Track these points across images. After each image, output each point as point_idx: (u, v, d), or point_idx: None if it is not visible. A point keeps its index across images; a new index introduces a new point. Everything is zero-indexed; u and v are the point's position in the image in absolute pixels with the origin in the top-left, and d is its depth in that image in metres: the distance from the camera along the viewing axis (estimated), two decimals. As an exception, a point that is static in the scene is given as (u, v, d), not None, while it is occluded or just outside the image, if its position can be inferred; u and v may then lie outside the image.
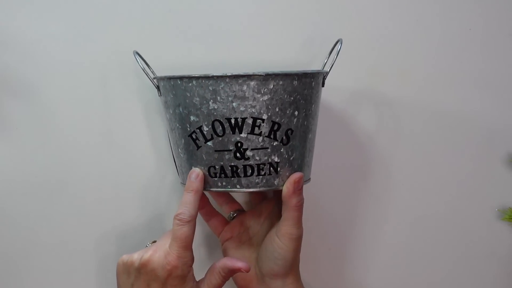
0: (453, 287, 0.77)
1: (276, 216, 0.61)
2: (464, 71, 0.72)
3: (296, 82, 0.54)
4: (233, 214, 0.64)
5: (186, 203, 0.54)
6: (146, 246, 0.57)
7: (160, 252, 0.53)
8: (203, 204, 0.62)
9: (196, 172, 0.55)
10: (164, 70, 0.64)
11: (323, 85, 0.59)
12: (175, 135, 0.57)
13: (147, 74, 0.58)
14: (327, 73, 0.59)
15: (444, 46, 0.71)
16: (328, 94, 0.65)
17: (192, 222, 0.53)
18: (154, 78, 0.58)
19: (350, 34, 0.67)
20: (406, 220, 0.74)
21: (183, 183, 0.58)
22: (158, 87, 0.58)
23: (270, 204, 0.62)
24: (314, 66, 0.65)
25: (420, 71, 0.71)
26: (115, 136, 0.65)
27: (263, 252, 0.59)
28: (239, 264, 0.56)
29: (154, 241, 0.57)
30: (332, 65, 0.59)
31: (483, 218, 0.76)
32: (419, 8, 0.70)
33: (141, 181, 0.67)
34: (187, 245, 0.53)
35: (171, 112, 0.56)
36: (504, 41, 0.72)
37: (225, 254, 0.63)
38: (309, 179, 0.60)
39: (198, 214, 0.63)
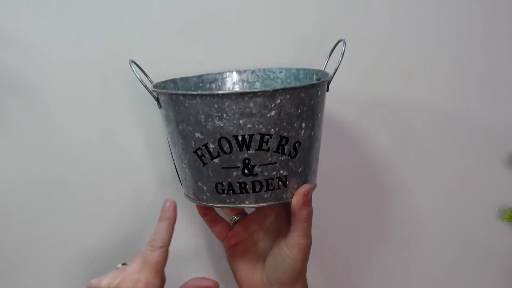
0: (453, 287, 0.77)
1: (282, 220, 0.61)
2: (464, 71, 0.72)
3: (303, 94, 0.52)
4: (235, 218, 0.64)
5: (160, 229, 0.53)
6: (116, 267, 0.55)
7: (128, 282, 0.52)
8: (207, 210, 0.62)
9: (170, 201, 0.54)
10: (163, 70, 0.64)
11: (327, 90, 0.58)
12: (178, 149, 0.55)
13: (145, 86, 0.55)
14: (332, 77, 0.58)
15: (444, 46, 0.71)
16: (327, 96, 0.65)
17: (165, 248, 0.53)
18: (153, 91, 0.56)
19: (350, 34, 0.67)
20: (406, 220, 0.74)
21: (188, 196, 0.58)
22: (157, 99, 0.55)
23: (275, 207, 0.62)
24: (314, 65, 0.65)
25: (420, 71, 0.71)
26: (115, 136, 0.65)
27: (271, 261, 0.59)
28: (208, 282, 0.56)
29: (125, 263, 0.56)
30: (336, 69, 0.57)
31: (483, 218, 0.76)
32: (419, 8, 0.70)
33: (140, 182, 0.67)
34: (158, 270, 0.52)
35: (173, 126, 0.54)
36: (504, 41, 0.72)
37: (229, 260, 0.62)
38: (316, 184, 0.60)
39: (202, 220, 0.62)
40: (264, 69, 0.65)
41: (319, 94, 0.54)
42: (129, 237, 0.67)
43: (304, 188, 0.55)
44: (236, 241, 0.62)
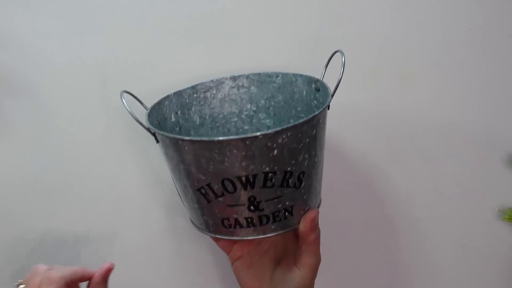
0: (453, 287, 0.77)
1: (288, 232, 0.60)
2: (464, 71, 0.72)
3: (305, 127, 0.50)
4: None
5: (71, 270, 0.51)
6: (15, 284, 0.53)
7: None
8: None
9: (109, 266, 0.53)
10: (162, 70, 0.64)
11: (328, 108, 0.56)
12: (181, 184, 0.54)
13: (140, 122, 0.53)
14: (332, 96, 0.55)
15: (444, 47, 0.71)
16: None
17: (58, 285, 0.50)
18: (149, 128, 0.54)
19: (348, 35, 0.67)
20: (406, 220, 0.74)
21: (193, 223, 0.58)
22: (154, 135, 0.54)
23: None
24: (313, 66, 0.64)
25: (419, 71, 0.71)
26: (115, 136, 0.65)
27: (280, 279, 0.58)
28: (105, 266, 0.53)
29: (21, 283, 0.53)
30: (337, 86, 0.54)
31: (483, 218, 0.76)
32: (419, 9, 0.70)
33: (140, 181, 0.67)
34: None
35: (174, 164, 0.53)
36: (504, 41, 0.72)
37: (236, 274, 0.61)
38: (321, 200, 0.59)
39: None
40: (259, 73, 0.64)
41: (320, 121, 0.53)
42: (129, 237, 0.67)
43: (310, 214, 0.55)
44: (242, 253, 0.61)
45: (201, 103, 0.64)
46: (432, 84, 0.72)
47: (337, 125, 0.70)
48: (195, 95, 0.63)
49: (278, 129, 0.48)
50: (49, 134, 0.64)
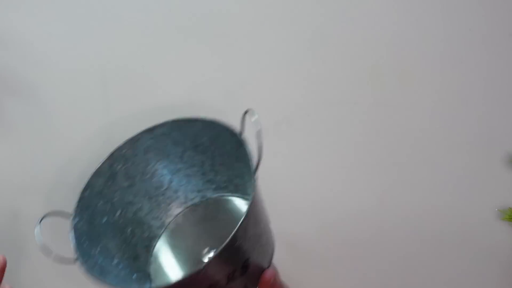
0: (453, 287, 0.77)
1: None
2: (464, 71, 0.72)
3: (235, 235, 0.45)
4: None
5: None
6: None
7: None
8: None
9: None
10: (161, 69, 0.64)
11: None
12: None
13: (66, 262, 0.48)
14: (255, 172, 0.49)
15: (444, 46, 0.71)
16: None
17: None
18: (81, 268, 0.49)
19: (348, 35, 0.67)
20: (406, 220, 0.74)
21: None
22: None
23: None
24: (314, 66, 0.64)
25: (419, 71, 0.71)
26: (114, 136, 0.65)
27: None
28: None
29: None
30: (259, 158, 0.49)
31: (483, 218, 0.76)
32: (419, 9, 0.70)
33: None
34: None
35: None
36: (504, 41, 0.72)
37: None
38: (273, 248, 0.55)
39: None
40: (177, 120, 0.58)
41: (251, 216, 0.47)
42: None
43: (265, 278, 0.52)
44: None
45: (125, 165, 0.59)
46: (432, 84, 0.72)
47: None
48: (115, 164, 0.59)
49: (200, 268, 0.44)
50: (49, 134, 0.64)
